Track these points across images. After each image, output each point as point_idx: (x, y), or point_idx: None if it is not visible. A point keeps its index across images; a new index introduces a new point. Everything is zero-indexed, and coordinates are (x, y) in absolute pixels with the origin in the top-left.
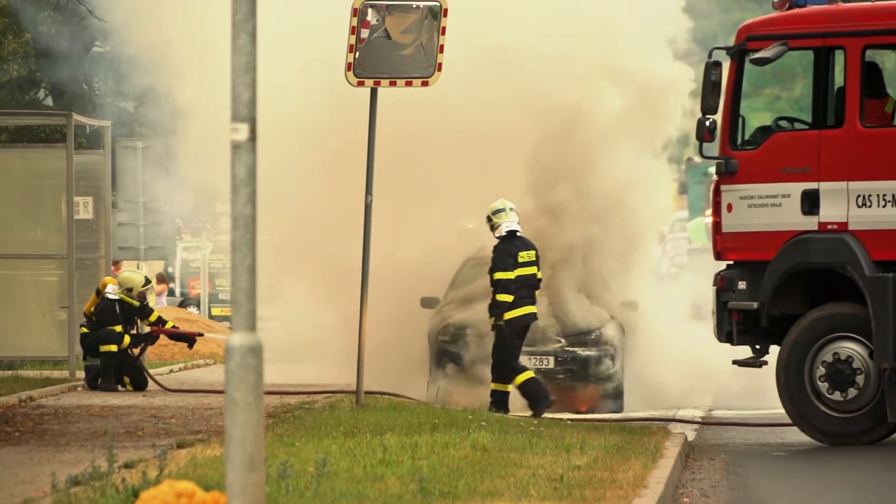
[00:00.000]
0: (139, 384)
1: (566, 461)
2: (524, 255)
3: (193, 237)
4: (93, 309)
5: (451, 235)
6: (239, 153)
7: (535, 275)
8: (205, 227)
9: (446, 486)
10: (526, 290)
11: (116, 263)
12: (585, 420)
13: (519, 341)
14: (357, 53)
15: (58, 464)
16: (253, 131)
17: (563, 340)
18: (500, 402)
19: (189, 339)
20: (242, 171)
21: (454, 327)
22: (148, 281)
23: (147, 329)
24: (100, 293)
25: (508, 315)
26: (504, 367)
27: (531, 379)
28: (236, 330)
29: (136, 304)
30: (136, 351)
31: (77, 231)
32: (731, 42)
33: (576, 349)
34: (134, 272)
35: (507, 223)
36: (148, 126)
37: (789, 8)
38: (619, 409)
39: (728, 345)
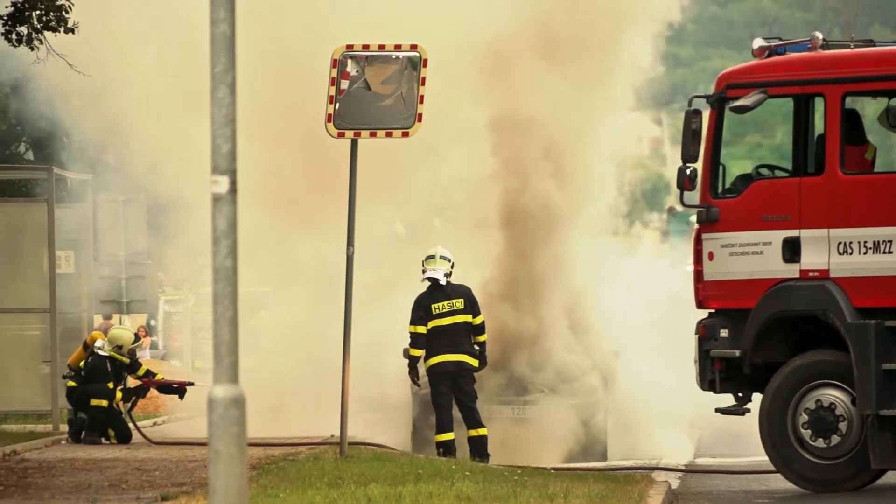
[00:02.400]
0: (123, 437)
1: None
2: (440, 307)
3: (176, 290)
4: (81, 364)
5: None
6: (219, 206)
7: (456, 323)
8: (187, 280)
9: None
10: (442, 339)
11: (108, 317)
12: (569, 469)
13: (445, 388)
14: (337, 105)
15: None
16: (233, 183)
17: (545, 390)
18: (479, 448)
19: (180, 389)
20: (223, 224)
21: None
22: (138, 338)
23: (136, 383)
24: (87, 346)
25: (425, 365)
26: (436, 414)
27: (447, 442)
28: (218, 382)
29: (126, 360)
30: (127, 405)
31: (59, 285)
32: (711, 90)
33: (559, 397)
34: (123, 329)
35: (430, 271)
36: (129, 179)
37: (769, 56)
38: (603, 458)
39: (711, 393)
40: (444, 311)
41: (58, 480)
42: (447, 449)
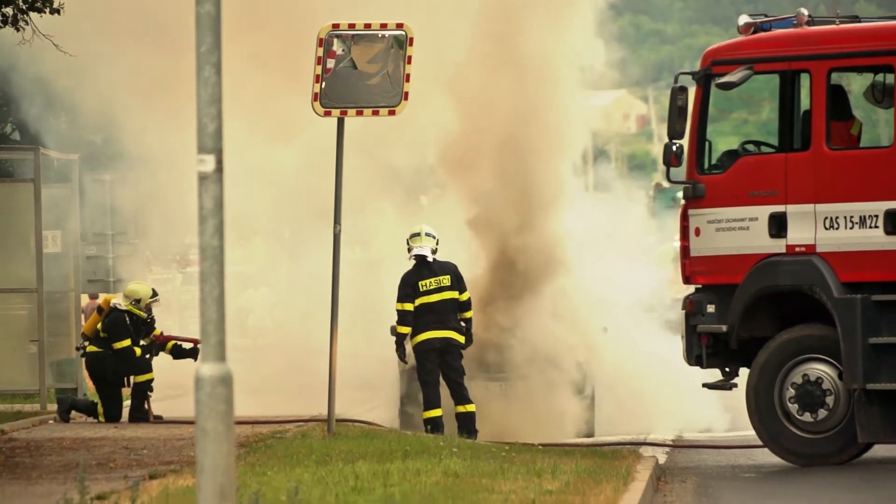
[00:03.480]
0: (113, 416)
1: (538, 486)
2: (428, 283)
3: (163, 269)
4: (99, 326)
5: None
6: (206, 184)
7: (444, 300)
8: (174, 259)
9: None
10: (429, 316)
11: (94, 297)
12: (556, 445)
13: (432, 365)
14: (323, 83)
15: (30, 497)
16: (219, 162)
17: (533, 364)
18: (467, 424)
19: (193, 351)
20: (210, 203)
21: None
22: (155, 293)
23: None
24: (102, 311)
25: (412, 342)
26: (423, 391)
27: (434, 419)
28: (206, 360)
29: (144, 315)
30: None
31: (46, 264)
32: (697, 67)
33: (546, 374)
34: (140, 283)
35: (417, 248)
36: (116, 159)
37: (754, 32)
38: (590, 434)
39: (698, 368)
40: (432, 287)
41: (45, 460)
42: (435, 425)
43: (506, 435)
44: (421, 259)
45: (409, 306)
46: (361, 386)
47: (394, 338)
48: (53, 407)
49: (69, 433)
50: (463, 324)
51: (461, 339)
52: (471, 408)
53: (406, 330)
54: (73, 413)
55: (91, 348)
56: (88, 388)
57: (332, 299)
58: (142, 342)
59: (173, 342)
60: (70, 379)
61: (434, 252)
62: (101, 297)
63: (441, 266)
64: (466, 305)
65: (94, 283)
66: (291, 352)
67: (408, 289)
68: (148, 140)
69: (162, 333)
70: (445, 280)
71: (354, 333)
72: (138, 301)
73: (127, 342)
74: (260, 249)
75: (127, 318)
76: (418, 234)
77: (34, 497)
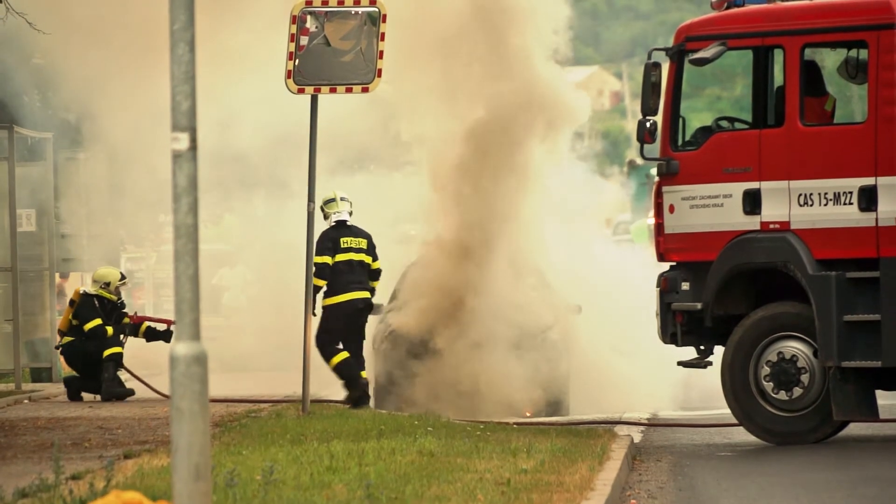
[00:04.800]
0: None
1: (513, 465)
2: (348, 241)
3: (137, 248)
4: (70, 317)
5: (392, 241)
6: (180, 162)
7: (361, 261)
8: (148, 238)
9: (393, 491)
10: (351, 275)
11: (65, 276)
12: (531, 423)
13: (341, 325)
14: (297, 61)
15: (4, 476)
16: (193, 140)
17: (508, 343)
18: (349, 380)
19: (167, 333)
20: (184, 181)
21: (398, 334)
22: (124, 276)
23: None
24: (73, 303)
25: (329, 301)
26: (322, 350)
27: (346, 360)
28: (180, 339)
29: (114, 298)
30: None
31: (20, 243)
32: (670, 43)
33: (521, 352)
34: (110, 268)
35: (336, 213)
36: (90, 137)
37: (728, 8)
38: (565, 413)
39: (672, 346)
40: (353, 246)
41: (20, 440)
42: (348, 364)
43: (480, 414)
44: (342, 223)
45: (328, 259)
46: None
47: (376, 316)
48: (28, 386)
49: (44, 413)
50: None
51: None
52: (364, 375)
53: (322, 283)
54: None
55: (66, 339)
56: (63, 370)
57: (306, 278)
58: (117, 324)
59: (146, 324)
60: (45, 359)
61: (350, 215)
62: (59, 284)
63: (359, 230)
64: (376, 274)
65: (68, 261)
66: (265, 331)
67: (328, 243)
68: (121, 118)
69: (136, 314)
70: (363, 243)
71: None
72: (107, 284)
73: (97, 321)
74: (233, 227)
75: (96, 301)
76: (333, 200)
77: (9, 477)
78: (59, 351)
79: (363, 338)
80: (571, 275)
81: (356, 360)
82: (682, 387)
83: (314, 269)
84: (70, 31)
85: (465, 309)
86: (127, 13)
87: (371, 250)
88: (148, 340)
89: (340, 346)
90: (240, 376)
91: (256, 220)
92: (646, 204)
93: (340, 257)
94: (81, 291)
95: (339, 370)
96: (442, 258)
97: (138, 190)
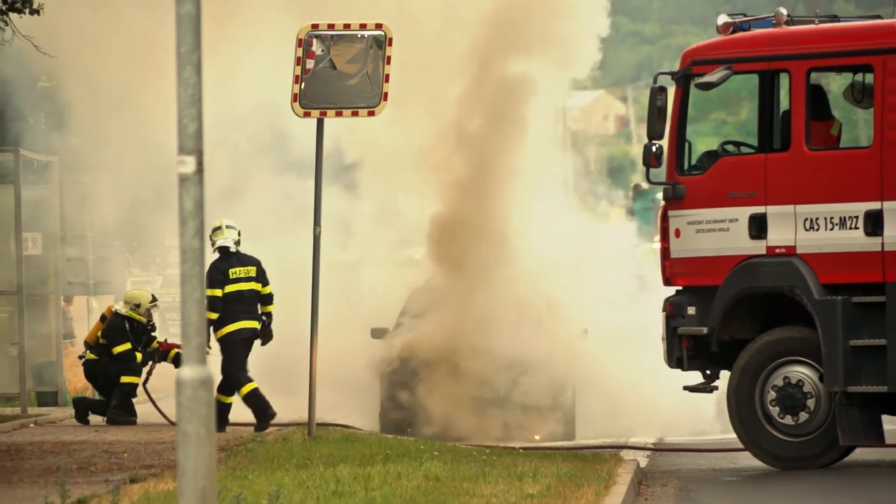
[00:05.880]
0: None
1: (519, 490)
2: (237, 271)
3: (143, 271)
4: (98, 334)
5: (398, 265)
6: (186, 186)
7: (251, 290)
8: (154, 261)
9: None
10: (241, 304)
11: (69, 300)
12: (538, 448)
13: (240, 355)
14: (302, 84)
15: (11, 500)
16: (200, 163)
17: (514, 368)
18: (220, 413)
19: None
20: (190, 204)
21: (403, 358)
22: (154, 298)
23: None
24: (105, 319)
25: (222, 332)
26: (228, 380)
27: (254, 391)
28: (187, 363)
29: (144, 320)
30: (146, 369)
31: (26, 267)
32: (676, 67)
33: (527, 376)
34: (140, 289)
35: (221, 241)
36: (96, 160)
37: (733, 32)
38: (571, 437)
39: (678, 370)
40: (241, 276)
41: (26, 464)
42: (256, 396)
43: (486, 438)
44: (225, 250)
45: (218, 292)
46: (342, 389)
47: (374, 340)
48: (34, 410)
49: (50, 437)
50: (264, 318)
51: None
52: (229, 400)
53: (214, 316)
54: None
55: (90, 355)
56: (69, 392)
57: (313, 302)
58: (144, 349)
59: (176, 350)
60: (50, 382)
61: (237, 244)
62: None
63: (246, 258)
64: (269, 299)
65: (73, 285)
66: (271, 355)
67: (218, 275)
68: (128, 141)
69: (166, 341)
70: (252, 271)
71: (335, 336)
72: (138, 306)
73: (126, 346)
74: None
75: (126, 324)
76: (220, 228)
77: (15, 501)
78: (81, 361)
79: (242, 364)
80: (577, 299)
81: (230, 385)
82: (688, 412)
83: (206, 302)
84: (76, 53)
85: (470, 335)
86: (134, 36)
87: (260, 276)
88: (176, 367)
89: (250, 374)
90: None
91: (261, 245)
92: (651, 228)
93: (230, 288)
94: (114, 310)
95: (248, 400)
96: (446, 284)
97: (144, 213)
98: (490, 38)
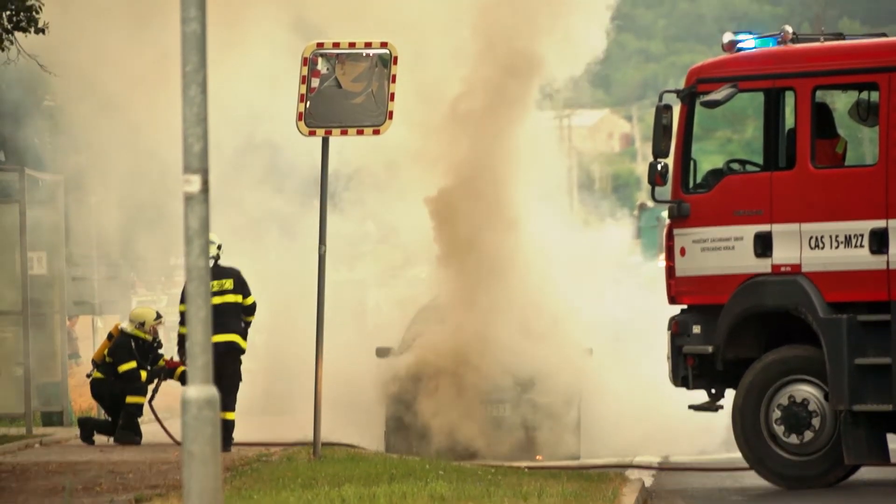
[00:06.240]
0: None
1: None
2: (212, 285)
3: (148, 290)
4: (105, 353)
5: (403, 284)
6: (192, 205)
7: (225, 303)
8: (159, 281)
9: None
10: (216, 318)
11: (72, 320)
12: (543, 467)
13: (216, 370)
14: (308, 103)
15: None
16: (205, 183)
17: (519, 387)
18: (225, 432)
19: None
20: (196, 223)
21: (408, 377)
22: (159, 315)
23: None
24: (112, 337)
25: None
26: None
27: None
28: (192, 382)
29: (149, 338)
30: (151, 387)
31: (31, 286)
32: (681, 85)
33: (532, 395)
34: (145, 307)
35: None
36: (101, 180)
37: (739, 50)
38: (577, 456)
39: (683, 389)
40: (214, 290)
41: (32, 484)
42: (228, 427)
43: (492, 457)
44: None
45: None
46: (347, 408)
47: (379, 359)
48: (39, 430)
49: (55, 457)
50: (245, 326)
51: (244, 343)
52: (230, 416)
53: (185, 330)
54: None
55: (97, 374)
56: (74, 411)
57: (318, 321)
58: (150, 368)
59: (182, 368)
60: (56, 402)
61: (217, 257)
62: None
63: (223, 270)
64: (251, 309)
65: (79, 304)
66: (277, 374)
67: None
68: (133, 161)
69: (172, 359)
70: (228, 284)
71: (340, 355)
72: (142, 324)
73: (132, 364)
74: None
75: (132, 342)
76: None
77: None
78: (88, 380)
79: (231, 379)
80: (583, 317)
81: (224, 401)
82: (693, 430)
83: (180, 316)
84: (81, 72)
85: (475, 353)
86: (139, 54)
87: (239, 287)
88: (183, 384)
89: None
90: (251, 420)
91: (267, 263)
92: (656, 247)
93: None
94: (120, 329)
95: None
96: (450, 303)
97: (149, 233)
98: (493, 21)
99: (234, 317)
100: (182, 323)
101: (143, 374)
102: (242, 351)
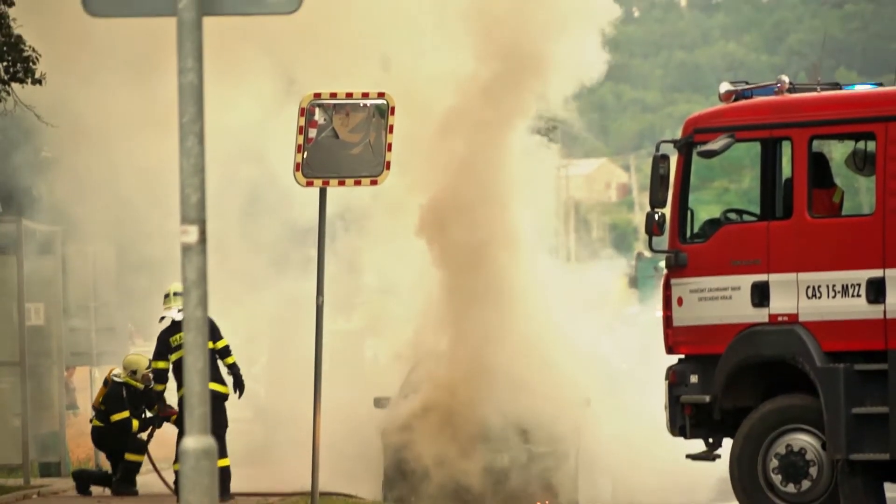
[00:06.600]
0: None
1: None
2: (178, 338)
3: (145, 341)
4: (101, 398)
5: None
6: (189, 255)
7: None
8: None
9: None
10: None
11: (69, 371)
12: None
13: None
14: (305, 153)
15: None
16: (203, 233)
17: (517, 436)
18: (222, 482)
19: None
20: (193, 274)
21: (405, 427)
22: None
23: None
24: (108, 383)
25: (180, 394)
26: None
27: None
28: (189, 433)
29: (141, 386)
30: (144, 436)
31: (29, 337)
32: (678, 135)
33: (530, 445)
34: (138, 355)
35: (165, 310)
36: (98, 230)
37: (736, 100)
38: None
39: (681, 438)
40: (181, 341)
41: None
42: (223, 473)
43: None
44: (172, 320)
45: (162, 364)
46: (345, 458)
47: (378, 409)
48: (37, 481)
49: None
50: (227, 371)
51: (222, 388)
52: (224, 462)
53: (161, 387)
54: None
55: (95, 422)
56: (72, 462)
57: (316, 371)
58: (143, 417)
59: (175, 416)
60: (53, 453)
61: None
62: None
63: None
64: (225, 352)
65: (76, 355)
66: (275, 424)
67: (162, 346)
68: (130, 210)
69: (167, 407)
70: None
71: (338, 405)
72: (134, 372)
73: (124, 414)
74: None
75: (124, 391)
76: (168, 296)
77: None
78: (91, 422)
79: (217, 426)
80: (580, 366)
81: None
82: (690, 480)
83: (154, 374)
84: (79, 123)
85: (472, 403)
86: (137, 104)
87: (210, 333)
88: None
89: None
90: (249, 469)
91: (265, 313)
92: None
93: (175, 356)
94: (113, 376)
95: (177, 473)
96: (448, 354)
97: (147, 283)
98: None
99: (209, 364)
100: (157, 380)
101: (136, 424)
102: (224, 396)
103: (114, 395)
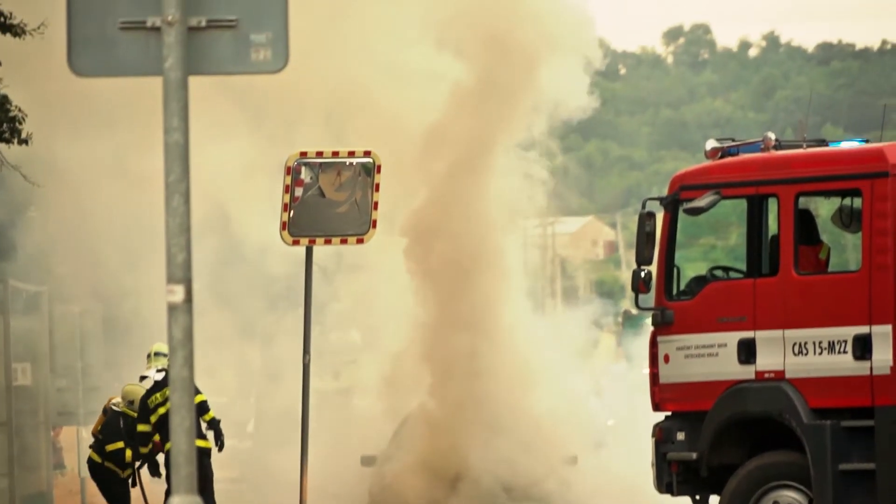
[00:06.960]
0: None
1: None
2: (156, 398)
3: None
4: (99, 427)
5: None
6: (175, 315)
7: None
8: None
9: None
10: (165, 429)
11: (56, 430)
12: None
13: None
14: (291, 212)
15: None
16: (188, 293)
17: (505, 493)
18: None
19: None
20: (179, 333)
21: (392, 485)
22: None
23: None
24: (107, 411)
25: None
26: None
27: None
28: (176, 492)
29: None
30: (137, 464)
31: (15, 397)
32: (664, 192)
33: (519, 503)
34: (136, 385)
35: (146, 371)
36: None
37: (722, 157)
38: None
39: (668, 496)
40: (160, 400)
41: None
42: None
43: None
44: (154, 381)
45: (143, 427)
46: None
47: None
48: None
49: None
50: (206, 426)
51: (205, 443)
52: None
53: (144, 450)
54: None
55: (92, 454)
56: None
57: (302, 430)
58: (141, 450)
59: (169, 446)
60: None
61: (163, 369)
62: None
63: (165, 381)
64: (203, 408)
65: (63, 415)
66: (261, 481)
67: (142, 409)
68: (116, 270)
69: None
70: (168, 392)
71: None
72: (132, 402)
73: (119, 444)
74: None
75: (121, 421)
76: (149, 356)
77: None
78: (91, 452)
79: (202, 480)
80: (567, 424)
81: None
82: None
83: (137, 437)
84: (65, 182)
85: (460, 463)
86: (122, 163)
87: None
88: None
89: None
90: None
91: (251, 372)
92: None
93: (154, 417)
94: (112, 405)
95: None
96: (433, 414)
97: (135, 341)
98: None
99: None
100: (140, 443)
101: (128, 455)
102: (206, 451)
103: (110, 425)
